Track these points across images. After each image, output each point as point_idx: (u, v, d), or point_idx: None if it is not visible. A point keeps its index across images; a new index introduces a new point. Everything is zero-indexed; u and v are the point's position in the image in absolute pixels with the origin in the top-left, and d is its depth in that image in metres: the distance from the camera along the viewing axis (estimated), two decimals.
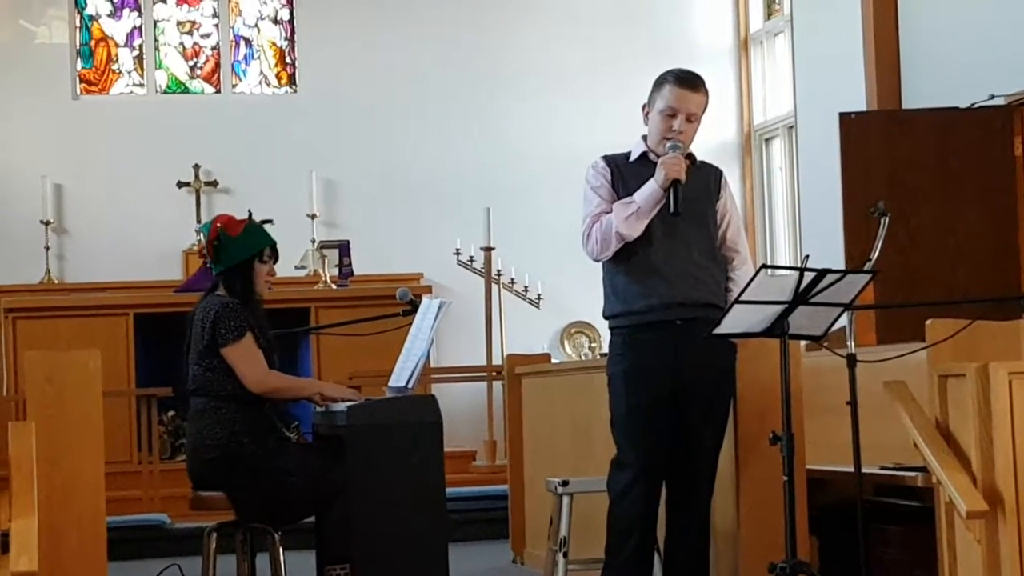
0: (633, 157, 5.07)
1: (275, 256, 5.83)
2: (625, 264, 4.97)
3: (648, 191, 4.90)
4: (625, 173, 5.03)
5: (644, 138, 5.08)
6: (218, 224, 5.73)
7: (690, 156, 5.01)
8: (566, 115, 12.22)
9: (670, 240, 4.95)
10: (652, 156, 5.00)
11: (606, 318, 5.08)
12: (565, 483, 5.52)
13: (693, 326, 4.87)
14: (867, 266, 5.08)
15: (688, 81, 4.98)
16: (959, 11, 9.34)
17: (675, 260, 4.94)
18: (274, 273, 5.85)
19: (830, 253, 8.23)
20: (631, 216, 4.90)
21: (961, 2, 9.37)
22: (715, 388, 5.00)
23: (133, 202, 11.97)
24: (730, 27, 12.68)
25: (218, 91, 12.56)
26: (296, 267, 11.05)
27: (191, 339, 5.68)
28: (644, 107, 5.06)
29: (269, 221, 5.93)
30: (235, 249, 5.69)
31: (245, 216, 5.82)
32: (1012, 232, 8.59)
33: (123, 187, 11.98)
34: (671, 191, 4.85)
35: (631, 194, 4.94)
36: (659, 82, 5.02)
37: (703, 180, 5.07)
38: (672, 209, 4.86)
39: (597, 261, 5.05)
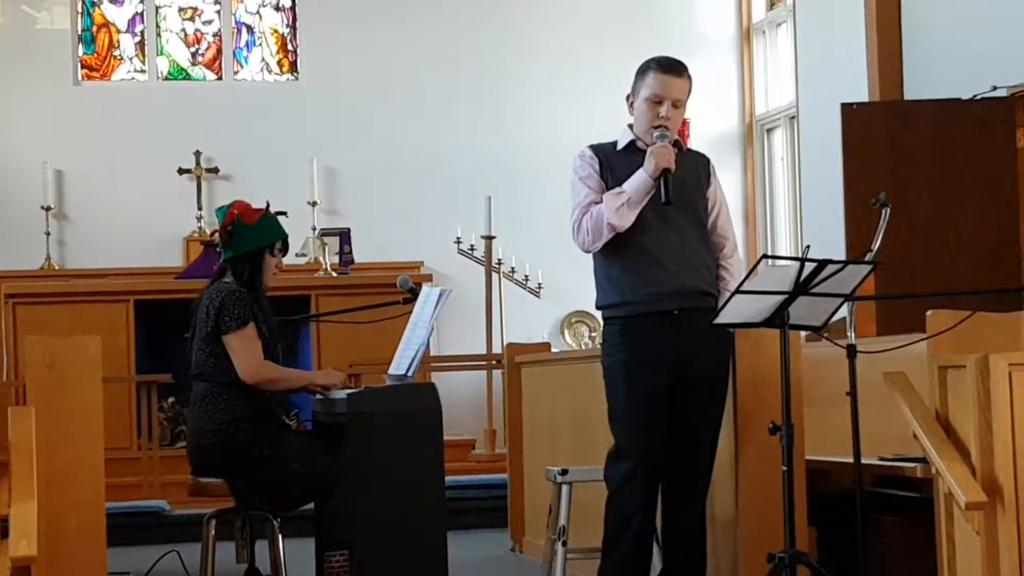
0: (620, 146, 5.06)
1: (285, 249, 5.85)
2: (619, 253, 4.96)
3: (638, 181, 4.90)
4: (613, 162, 5.02)
5: (630, 127, 5.07)
6: (234, 210, 5.74)
7: (676, 143, 5.01)
8: (568, 103, 12.21)
9: (664, 228, 4.94)
10: (640, 144, 4.99)
11: (600, 308, 5.07)
12: (564, 472, 5.52)
13: (691, 315, 4.87)
14: (868, 257, 5.07)
15: (671, 67, 4.98)
16: (961, 1, 9.32)
17: (670, 248, 4.93)
18: (282, 266, 5.87)
19: (831, 244, 8.23)
20: (622, 206, 4.90)
21: None
22: (713, 378, 5.00)
23: (134, 188, 11.97)
24: (732, 17, 12.67)
25: (219, 78, 12.55)
26: (297, 255, 11.04)
27: (196, 324, 5.69)
28: (628, 97, 5.06)
29: (283, 213, 5.95)
30: (248, 237, 5.70)
31: (262, 206, 5.83)
32: (1013, 224, 8.58)
33: (124, 173, 11.98)
34: (661, 180, 4.85)
35: (620, 183, 4.93)
36: (642, 70, 5.02)
37: (692, 168, 5.07)
38: (663, 199, 4.85)
39: (588, 252, 5.04)
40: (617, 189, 4.93)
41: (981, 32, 9.03)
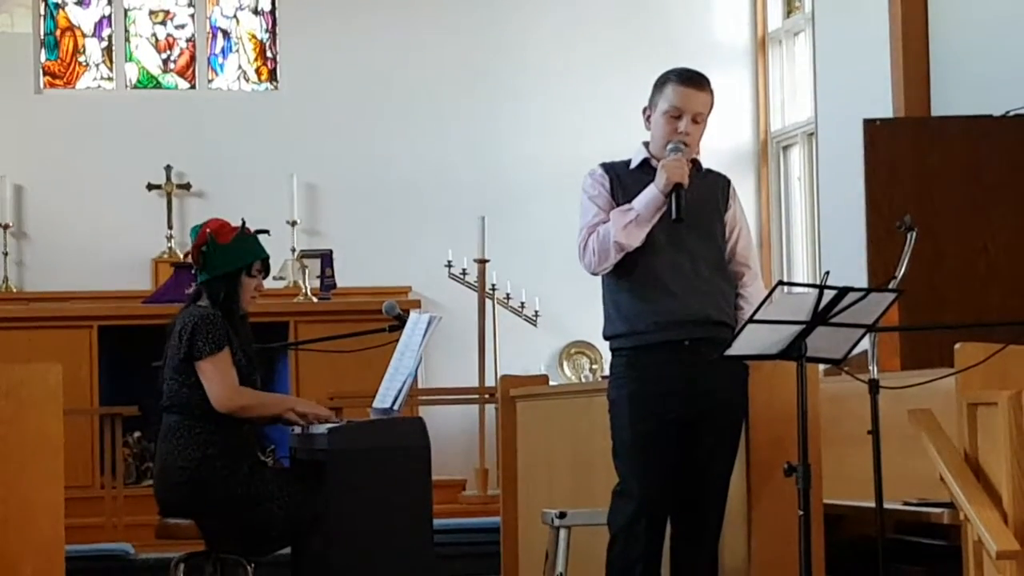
0: (634, 164, 5.11)
1: (265, 270, 5.86)
2: (628, 279, 4.99)
3: (648, 196, 4.93)
4: (625, 181, 5.06)
5: (645, 144, 5.12)
6: (208, 229, 5.76)
7: (694, 161, 5.04)
8: (569, 118, 12.22)
9: (675, 252, 4.97)
10: (654, 162, 5.03)
11: (607, 338, 5.09)
12: (562, 515, 5.52)
13: (702, 346, 4.88)
14: (892, 284, 5.08)
15: (693, 79, 5.04)
16: (993, 10, 9.35)
17: (681, 274, 4.96)
18: (262, 288, 5.88)
19: (851, 270, 8.22)
20: (630, 224, 4.93)
21: (995, 1, 9.39)
22: (726, 414, 5.01)
23: (99, 205, 11.96)
24: (746, 25, 12.70)
25: (193, 86, 12.57)
26: (274, 278, 10.99)
27: (168, 351, 5.70)
28: (645, 110, 5.11)
29: (265, 231, 5.95)
30: (223, 258, 5.72)
31: (238, 224, 5.84)
32: None
33: (89, 189, 11.98)
34: (673, 196, 4.88)
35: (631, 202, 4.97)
36: (661, 82, 5.07)
37: (710, 189, 5.11)
38: (674, 215, 4.88)
39: (595, 274, 5.08)
40: (626, 206, 4.96)
41: (1014, 45, 9.05)
